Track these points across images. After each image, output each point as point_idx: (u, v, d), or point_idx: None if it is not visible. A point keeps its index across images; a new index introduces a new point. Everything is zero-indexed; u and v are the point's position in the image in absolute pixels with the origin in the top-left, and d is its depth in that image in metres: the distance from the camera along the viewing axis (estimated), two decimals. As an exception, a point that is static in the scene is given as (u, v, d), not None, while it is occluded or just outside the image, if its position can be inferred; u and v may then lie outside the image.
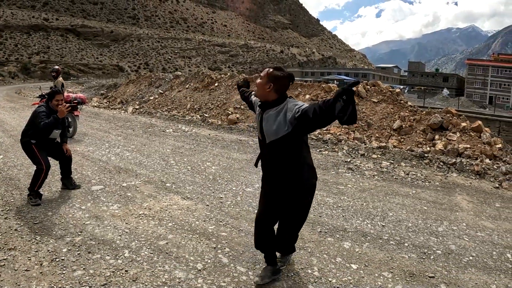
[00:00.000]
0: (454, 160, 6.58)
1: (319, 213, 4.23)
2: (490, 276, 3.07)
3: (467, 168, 6.25)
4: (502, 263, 3.30)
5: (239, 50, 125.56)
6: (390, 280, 2.93)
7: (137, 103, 15.46)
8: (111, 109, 14.71)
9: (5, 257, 3.01)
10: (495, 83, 60.55)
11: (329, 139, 8.14)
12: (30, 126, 4.37)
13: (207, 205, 4.39)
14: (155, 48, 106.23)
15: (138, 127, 10.09)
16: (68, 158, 4.72)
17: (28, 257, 3.04)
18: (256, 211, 4.07)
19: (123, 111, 13.74)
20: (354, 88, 1.95)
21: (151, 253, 3.18)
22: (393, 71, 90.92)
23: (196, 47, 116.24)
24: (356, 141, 8.07)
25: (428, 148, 7.43)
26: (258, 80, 2.48)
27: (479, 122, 7.92)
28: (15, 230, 3.53)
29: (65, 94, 9.18)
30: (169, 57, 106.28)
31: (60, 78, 8.91)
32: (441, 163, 6.51)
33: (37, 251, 3.15)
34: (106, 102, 17.51)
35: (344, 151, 7.35)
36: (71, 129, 8.13)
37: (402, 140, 8.21)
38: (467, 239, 3.74)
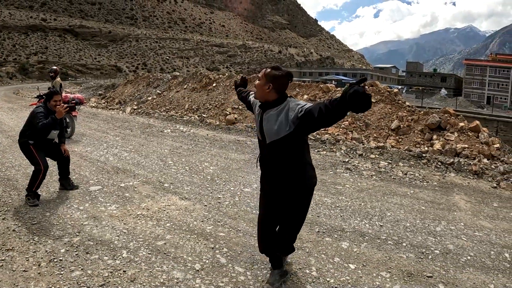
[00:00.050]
0: (452, 160, 6.60)
1: (317, 213, 4.23)
2: (488, 275, 3.08)
3: (465, 168, 6.26)
4: (500, 262, 3.31)
5: (237, 51, 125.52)
6: (388, 280, 2.94)
7: (135, 103, 15.43)
8: (109, 109, 14.68)
9: (3, 258, 3.01)
10: (493, 83, 60.77)
11: (327, 139, 8.15)
12: (28, 127, 4.36)
13: (205, 205, 4.39)
14: (153, 49, 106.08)
15: (136, 128, 10.08)
16: (66, 158, 4.72)
17: (26, 257, 3.03)
18: (254, 212, 4.05)
19: (121, 112, 13.72)
20: (361, 85, 1.95)
21: (149, 254, 3.18)
22: (391, 71, 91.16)
23: (194, 48, 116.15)
24: (354, 141, 8.08)
25: (426, 148, 7.45)
26: (257, 82, 2.45)
27: (477, 122, 7.95)
28: (13, 230, 3.53)
29: (63, 94, 9.18)
30: (167, 57, 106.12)
31: (58, 79, 8.90)
32: (439, 163, 6.53)
33: (35, 251, 3.14)
34: (104, 103, 17.47)
35: (342, 151, 7.36)
36: (69, 130, 8.11)
37: (400, 140, 8.22)
38: (465, 239, 3.75)
